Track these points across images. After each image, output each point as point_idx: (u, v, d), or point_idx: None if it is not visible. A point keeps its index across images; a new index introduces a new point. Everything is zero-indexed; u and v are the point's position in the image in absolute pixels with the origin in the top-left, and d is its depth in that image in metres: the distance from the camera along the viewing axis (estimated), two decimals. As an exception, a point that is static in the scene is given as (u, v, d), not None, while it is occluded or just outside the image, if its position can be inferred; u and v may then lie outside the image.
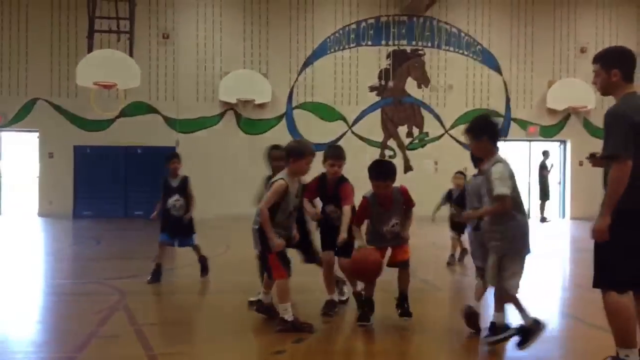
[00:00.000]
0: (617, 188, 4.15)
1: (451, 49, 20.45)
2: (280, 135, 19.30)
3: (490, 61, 20.56)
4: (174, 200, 8.23)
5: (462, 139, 20.12)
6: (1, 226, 16.42)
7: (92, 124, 18.64)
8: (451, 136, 20.23)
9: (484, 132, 5.16)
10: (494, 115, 5.26)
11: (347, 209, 5.95)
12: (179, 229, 8.27)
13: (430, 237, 13.21)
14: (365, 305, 5.95)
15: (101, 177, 18.58)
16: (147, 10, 18.83)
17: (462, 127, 20.20)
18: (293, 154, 5.60)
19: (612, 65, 4.38)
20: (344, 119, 19.88)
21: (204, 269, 8.38)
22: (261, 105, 19.25)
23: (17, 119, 18.75)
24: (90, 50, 16.54)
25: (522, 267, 5.11)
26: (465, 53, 20.50)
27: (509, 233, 4.92)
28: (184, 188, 8.36)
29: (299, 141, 6.19)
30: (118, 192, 18.66)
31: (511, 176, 4.93)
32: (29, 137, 19.15)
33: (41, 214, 18.60)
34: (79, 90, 17.75)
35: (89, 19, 16.88)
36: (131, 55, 16.56)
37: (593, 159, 4.84)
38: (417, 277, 8.84)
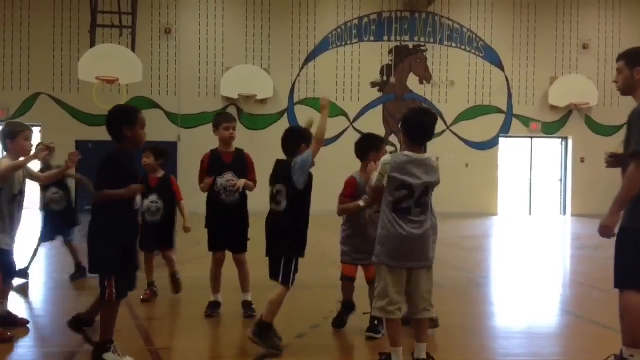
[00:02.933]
0: (632, 186, 4.10)
1: (453, 44, 20.43)
2: (281, 131, 19.29)
3: (492, 57, 20.53)
4: (150, 202, 6.88)
5: (465, 135, 20.18)
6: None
7: (94, 119, 18.61)
8: (453, 132, 20.22)
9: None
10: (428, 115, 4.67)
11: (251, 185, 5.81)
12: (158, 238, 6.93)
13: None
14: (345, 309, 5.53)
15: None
16: (149, 5, 18.82)
17: (464, 124, 20.26)
18: (7, 137, 5.34)
19: (636, 63, 4.34)
20: (346, 115, 19.89)
21: (176, 286, 6.96)
22: (263, 101, 19.26)
23: (20, 113, 18.76)
24: (92, 44, 16.58)
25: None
26: (467, 49, 20.48)
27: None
28: (165, 189, 7.01)
29: (10, 122, 5.95)
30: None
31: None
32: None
33: (42, 207, 18.59)
34: (81, 85, 17.76)
35: (91, 14, 16.90)
36: (133, 50, 16.59)
37: (613, 158, 4.63)
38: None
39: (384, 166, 4.33)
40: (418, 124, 4.46)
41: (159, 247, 6.92)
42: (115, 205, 4.42)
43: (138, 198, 4.68)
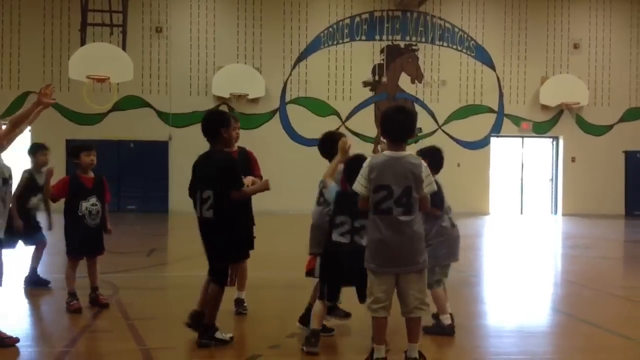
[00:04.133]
0: None
1: (445, 44, 20.47)
2: (273, 130, 19.34)
3: (483, 57, 20.58)
4: (91, 204, 6.38)
5: (456, 134, 20.22)
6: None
7: (85, 118, 18.56)
8: (445, 132, 20.25)
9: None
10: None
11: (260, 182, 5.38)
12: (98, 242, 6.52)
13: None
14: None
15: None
16: (140, 4, 18.75)
17: (455, 123, 20.30)
18: None
19: None
20: (337, 114, 19.88)
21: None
22: (254, 100, 19.22)
23: (9, 113, 18.61)
24: (82, 43, 16.49)
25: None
26: (459, 49, 20.52)
27: None
28: (101, 190, 6.56)
29: None
30: (110, 186, 18.45)
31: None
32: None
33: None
34: (71, 84, 17.65)
35: (81, 12, 16.81)
36: (124, 48, 16.51)
37: None
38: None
39: (364, 169, 4.28)
40: (395, 122, 4.34)
41: (99, 252, 6.55)
42: (239, 200, 4.91)
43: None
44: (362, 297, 4.62)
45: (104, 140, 18.39)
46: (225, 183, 4.80)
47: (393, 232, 4.18)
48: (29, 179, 7.10)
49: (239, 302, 6.08)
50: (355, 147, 18.54)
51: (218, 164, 4.86)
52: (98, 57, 15.55)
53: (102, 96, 17.23)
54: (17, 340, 4.95)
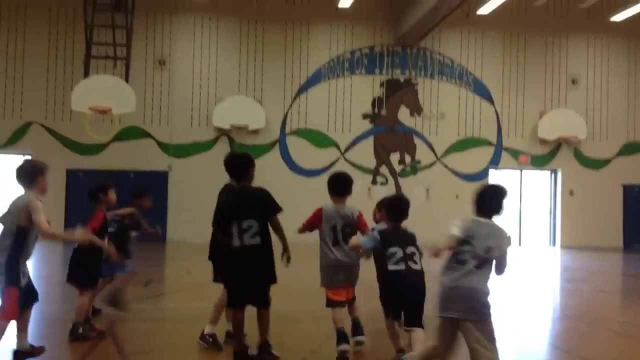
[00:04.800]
0: None
1: (444, 78, 20.70)
2: (273, 162, 19.45)
3: (482, 91, 20.80)
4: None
5: (455, 167, 20.32)
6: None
7: (86, 148, 18.69)
8: (443, 164, 20.37)
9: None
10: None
11: None
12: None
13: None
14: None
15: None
16: (143, 37, 19.00)
17: (454, 156, 20.42)
18: (38, 172, 5.37)
19: None
20: (337, 146, 20.02)
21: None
22: (255, 131, 19.37)
23: (11, 142, 18.78)
24: (86, 75, 16.69)
25: None
26: (458, 83, 20.75)
27: None
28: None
29: (33, 159, 6.13)
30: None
31: None
32: (22, 160, 19.14)
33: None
34: (73, 114, 17.82)
35: (86, 45, 17.03)
36: (127, 80, 16.70)
37: None
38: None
39: (467, 224, 4.84)
40: (493, 198, 4.93)
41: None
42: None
43: None
44: (409, 322, 5.26)
45: (104, 170, 18.52)
46: (269, 210, 5.41)
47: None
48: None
49: (229, 334, 6.02)
50: (354, 178, 18.61)
51: (257, 195, 5.42)
52: (101, 89, 15.74)
53: (103, 127, 17.38)
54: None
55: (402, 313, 5.31)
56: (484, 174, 20.54)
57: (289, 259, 5.60)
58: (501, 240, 4.76)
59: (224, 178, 16.40)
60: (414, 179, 20.28)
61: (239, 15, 19.71)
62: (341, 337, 5.64)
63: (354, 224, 5.87)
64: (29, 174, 5.34)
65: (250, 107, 19.20)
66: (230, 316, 5.57)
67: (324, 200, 6.32)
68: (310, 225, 5.95)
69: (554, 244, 20.91)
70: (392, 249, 5.32)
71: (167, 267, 13.72)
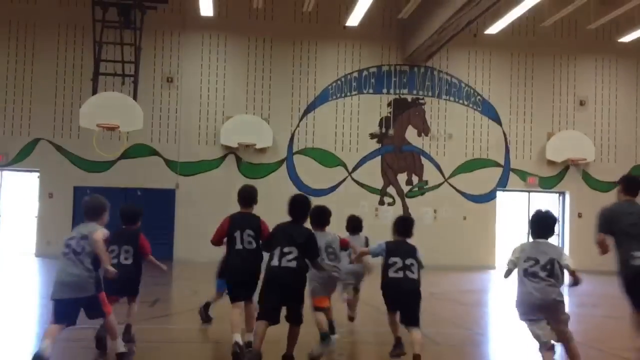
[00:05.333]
0: None
1: (451, 98, 20.71)
2: (280, 181, 19.44)
3: (490, 112, 20.78)
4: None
5: (462, 188, 20.25)
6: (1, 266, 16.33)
7: (93, 165, 18.72)
8: (450, 185, 20.30)
9: None
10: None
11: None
12: None
13: (427, 287, 13.08)
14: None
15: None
16: (152, 55, 19.11)
17: (462, 177, 20.35)
18: (105, 209, 6.41)
19: None
20: (344, 165, 19.99)
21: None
22: (262, 150, 19.39)
23: (19, 159, 18.83)
24: (94, 92, 16.76)
25: None
26: (465, 103, 20.75)
27: None
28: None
29: (98, 196, 6.62)
30: (116, 234, 18.52)
31: None
32: (30, 176, 19.18)
33: (39, 254, 18.51)
34: (81, 131, 17.88)
35: (94, 62, 17.13)
36: (135, 98, 16.77)
37: None
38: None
39: (516, 250, 6.40)
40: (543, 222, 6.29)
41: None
42: None
43: None
44: (405, 321, 6.39)
45: (111, 187, 18.51)
46: (310, 250, 6.17)
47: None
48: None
49: (249, 344, 6.29)
50: (362, 198, 18.71)
51: (305, 234, 6.23)
52: (109, 106, 15.80)
53: (111, 144, 17.42)
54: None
55: (399, 312, 6.48)
56: (491, 195, 20.45)
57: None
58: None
59: (231, 196, 16.51)
60: (421, 199, 20.20)
61: (247, 33, 19.81)
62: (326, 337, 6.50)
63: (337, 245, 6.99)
64: (98, 210, 6.33)
65: (258, 126, 19.22)
66: (256, 327, 6.06)
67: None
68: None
69: (562, 266, 20.71)
70: (393, 259, 6.39)
71: (174, 287, 13.63)
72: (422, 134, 20.48)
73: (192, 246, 18.31)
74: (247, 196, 6.74)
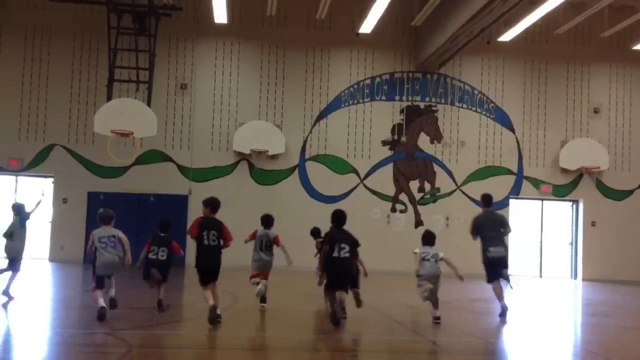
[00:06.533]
0: None
1: (464, 105, 20.66)
2: (292, 187, 19.48)
3: (503, 119, 20.71)
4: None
5: (475, 195, 20.15)
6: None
7: (107, 171, 18.86)
8: (463, 192, 20.24)
9: None
10: None
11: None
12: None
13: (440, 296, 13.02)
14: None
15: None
16: (166, 61, 19.24)
17: (474, 184, 20.28)
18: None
19: None
20: (356, 172, 19.99)
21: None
22: (274, 157, 19.43)
23: (35, 164, 19.01)
24: (109, 98, 16.89)
25: None
26: (478, 110, 20.69)
27: None
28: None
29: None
30: (129, 239, 18.54)
31: None
32: (44, 182, 19.33)
33: (52, 259, 18.65)
34: (95, 137, 18.03)
35: (109, 69, 17.28)
36: (149, 104, 16.88)
37: None
38: (422, 336, 8.74)
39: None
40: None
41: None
42: None
43: None
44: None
45: (124, 193, 18.65)
46: (356, 245, 8.96)
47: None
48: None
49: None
50: (373, 205, 18.83)
51: (353, 238, 8.98)
52: (123, 112, 15.92)
53: (125, 150, 17.54)
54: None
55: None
56: (504, 203, 20.36)
57: (365, 273, 9.67)
58: None
59: (243, 203, 17.19)
60: (433, 207, 20.15)
61: (260, 40, 19.91)
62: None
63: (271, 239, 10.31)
64: (110, 218, 9.39)
65: (270, 132, 19.28)
66: (330, 296, 8.89)
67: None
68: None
69: (575, 276, 20.59)
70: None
71: (185, 293, 13.69)
72: (435, 141, 20.44)
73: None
74: (217, 206, 8.99)
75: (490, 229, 10.27)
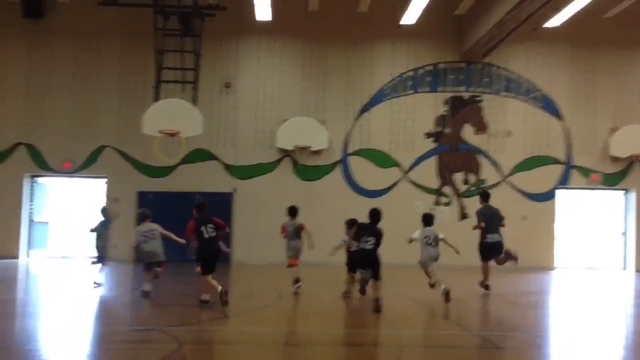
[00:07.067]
0: None
1: (510, 94, 20.34)
2: (335, 182, 19.56)
3: (550, 107, 20.31)
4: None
5: (522, 186, 19.87)
6: (65, 269, 17.04)
7: (155, 170, 19.30)
8: (509, 184, 19.96)
9: None
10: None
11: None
12: None
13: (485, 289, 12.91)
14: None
15: (161, 222, 19.02)
16: (211, 61, 19.51)
17: (521, 175, 19.96)
18: None
19: None
20: (399, 166, 19.93)
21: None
22: (317, 152, 19.54)
23: (86, 165, 19.58)
24: (156, 99, 17.24)
25: None
26: (525, 99, 20.34)
27: None
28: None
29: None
30: (177, 236, 18.93)
31: None
32: (97, 182, 19.90)
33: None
34: (144, 138, 18.42)
35: (156, 70, 17.62)
36: (195, 104, 17.17)
37: None
38: (469, 330, 8.71)
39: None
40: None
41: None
42: None
43: None
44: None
45: (172, 192, 19.05)
46: (381, 240, 10.01)
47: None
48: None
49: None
50: (417, 198, 18.89)
51: (380, 232, 10.07)
52: (170, 113, 16.22)
53: (172, 149, 17.90)
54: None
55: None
56: (552, 193, 20.00)
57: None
58: None
59: (287, 199, 17.51)
60: (477, 198, 19.87)
61: (301, 36, 20.00)
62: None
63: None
64: (148, 216, 11.51)
65: (313, 128, 19.37)
66: (353, 278, 11.22)
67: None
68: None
69: (626, 267, 20.09)
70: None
71: (231, 289, 13.92)
72: (480, 132, 20.20)
73: (250, 249, 18.67)
74: (205, 207, 10.43)
75: (489, 220, 12.46)
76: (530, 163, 20.08)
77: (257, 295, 11.19)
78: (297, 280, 11.66)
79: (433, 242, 11.21)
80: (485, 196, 13.32)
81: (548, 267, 19.41)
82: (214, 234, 10.05)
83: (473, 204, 19.71)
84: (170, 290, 12.47)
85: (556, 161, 20.17)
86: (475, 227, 12.62)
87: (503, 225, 12.75)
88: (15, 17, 19.41)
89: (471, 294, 12.30)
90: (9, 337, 7.59)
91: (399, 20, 19.14)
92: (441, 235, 11.30)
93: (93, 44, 19.78)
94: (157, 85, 17.52)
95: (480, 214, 12.70)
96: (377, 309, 9.51)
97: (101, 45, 19.78)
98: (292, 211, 11.94)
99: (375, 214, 10.19)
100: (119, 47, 19.77)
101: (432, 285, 11.30)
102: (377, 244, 9.92)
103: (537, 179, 19.98)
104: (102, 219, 12.90)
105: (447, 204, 19.84)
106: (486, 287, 12.40)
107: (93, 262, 12.82)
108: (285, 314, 10.08)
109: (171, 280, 13.92)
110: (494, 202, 21.34)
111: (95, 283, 12.43)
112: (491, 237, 12.39)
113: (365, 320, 9.57)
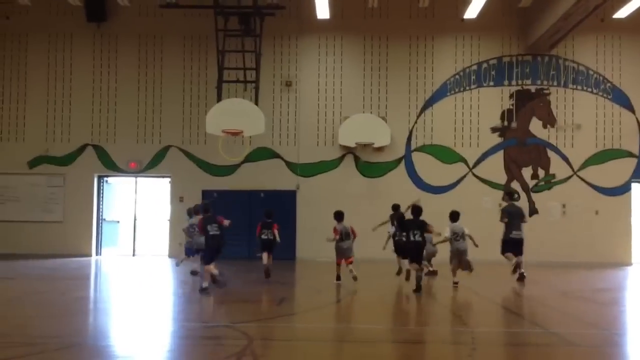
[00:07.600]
0: None
1: (578, 87, 19.67)
2: (399, 179, 19.33)
3: (621, 99, 19.53)
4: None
5: (593, 180, 19.16)
6: (135, 266, 17.44)
7: (219, 169, 19.54)
8: (580, 178, 19.28)
9: None
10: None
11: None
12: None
13: (559, 286, 12.48)
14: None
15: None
16: (271, 60, 19.63)
17: (592, 169, 19.25)
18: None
19: None
20: (465, 161, 19.54)
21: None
22: (380, 149, 19.36)
23: (152, 165, 20.01)
24: (219, 99, 17.44)
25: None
26: (594, 91, 19.63)
27: None
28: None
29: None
30: (242, 234, 19.11)
31: None
32: (162, 182, 20.34)
33: (172, 255, 19.55)
34: (207, 138, 18.70)
35: (218, 70, 17.83)
36: (256, 103, 17.28)
37: None
38: (543, 328, 8.40)
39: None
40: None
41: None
42: None
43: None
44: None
45: (236, 190, 19.25)
46: (424, 229, 11.21)
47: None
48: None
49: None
50: (484, 194, 18.55)
51: (421, 223, 11.23)
52: (233, 112, 16.37)
53: (235, 148, 18.07)
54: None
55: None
56: (627, 187, 19.22)
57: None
58: None
59: (350, 196, 17.67)
60: (548, 194, 19.33)
61: (362, 33, 19.87)
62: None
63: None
64: (196, 212, 12.99)
65: (375, 125, 19.20)
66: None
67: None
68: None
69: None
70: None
71: (297, 286, 13.94)
72: (548, 126, 19.60)
73: (314, 246, 18.63)
74: (208, 207, 11.59)
75: (514, 217, 13.22)
76: (602, 157, 19.36)
77: (324, 292, 11.11)
78: (338, 277, 12.63)
79: (461, 237, 12.08)
80: (510, 195, 14.16)
81: (625, 262, 18.68)
82: (217, 232, 11.15)
83: (543, 199, 19.25)
84: (241, 288, 12.55)
85: (630, 154, 19.37)
86: (505, 221, 13.27)
87: (525, 222, 13.50)
88: (80, 21, 19.98)
89: (545, 292, 11.91)
90: (83, 334, 7.74)
91: (461, 14, 18.76)
92: (467, 231, 12.18)
93: (156, 46, 20.18)
94: (219, 85, 17.72)
95: (505, 212, 13.42)
96: (418, 288, 10.80)
97: (163, 47, 20.17)
98: (340, 216, 12.94)
99: (418, 210, 11.43)
100: (181, 49, 20.11)
101: (456, 284, 12.11)
102: (422, 235, 11.17)
103: (610, 173, 19.23)
104: (194, 217, 13.73)
105: (515, 200, 19.26)
106: (519, 265, 12.91)
107: (181, 260, 14.74)
108: (354, 310, 9.97)
109: (243, 278, 14.04)
110: (564, 197, 20.84)
111: (192, 272, 13.83)
112: (516, 234, 13.14)
113: (434, 317, 9.37)
